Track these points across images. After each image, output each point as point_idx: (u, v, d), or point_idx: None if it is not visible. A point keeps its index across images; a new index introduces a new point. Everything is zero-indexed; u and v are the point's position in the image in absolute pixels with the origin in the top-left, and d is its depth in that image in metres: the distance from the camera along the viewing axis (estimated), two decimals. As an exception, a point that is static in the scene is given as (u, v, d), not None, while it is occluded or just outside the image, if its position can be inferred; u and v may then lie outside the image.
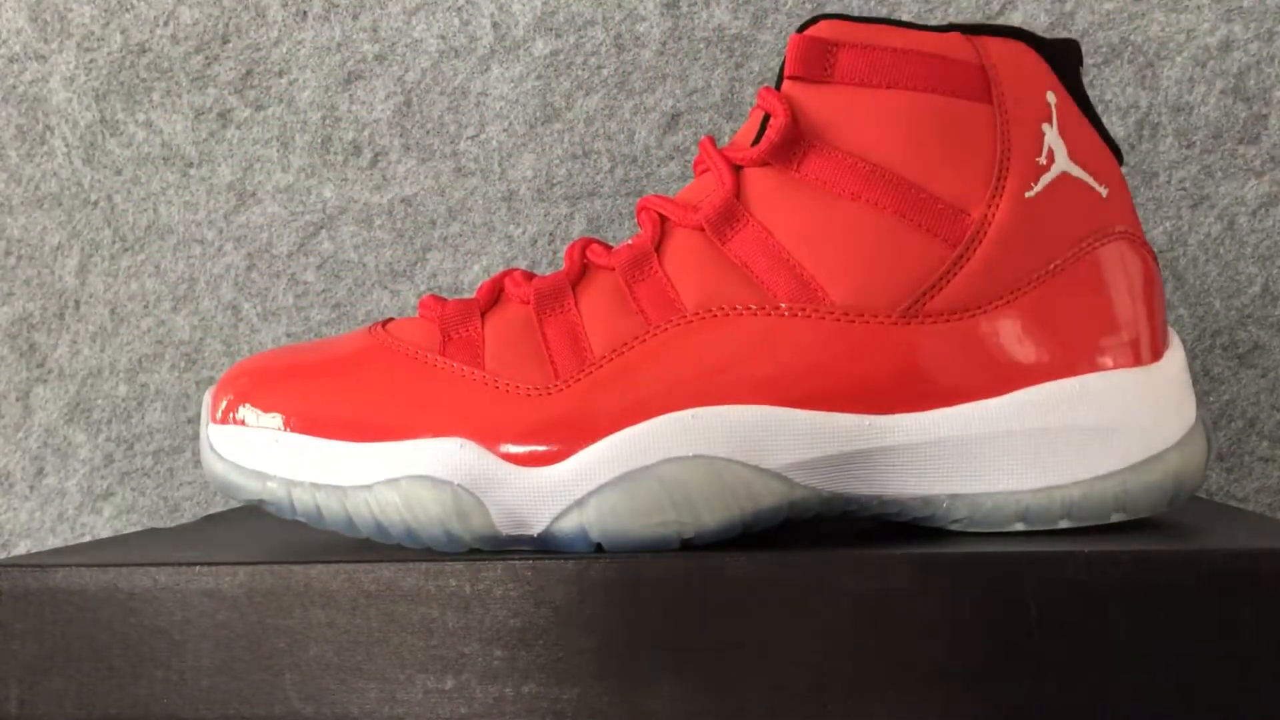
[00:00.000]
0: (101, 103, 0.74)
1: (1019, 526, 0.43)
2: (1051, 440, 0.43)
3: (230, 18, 0.74)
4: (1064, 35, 0.70)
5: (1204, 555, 0.38)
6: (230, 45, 0.74)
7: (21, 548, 0.76)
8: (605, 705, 0.39)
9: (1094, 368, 0.44)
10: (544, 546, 0.42)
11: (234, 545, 0.47)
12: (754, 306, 0.43)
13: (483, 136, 0.73)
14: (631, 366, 0.43)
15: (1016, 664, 0.38)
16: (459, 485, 0.42)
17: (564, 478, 0.42)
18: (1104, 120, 0.70)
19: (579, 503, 0.42)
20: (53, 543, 0.76)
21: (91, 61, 0.74)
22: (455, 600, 0.40)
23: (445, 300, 0.47)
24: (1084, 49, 0.70)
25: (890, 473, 0.43)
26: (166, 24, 0.74)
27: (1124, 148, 0.70)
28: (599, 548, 0.42)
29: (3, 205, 0.75)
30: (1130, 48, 0.70)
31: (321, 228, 0.74)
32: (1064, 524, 0.43)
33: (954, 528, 0.44)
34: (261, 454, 0.44)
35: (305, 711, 0.40)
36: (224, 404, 0.45)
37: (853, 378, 0.43)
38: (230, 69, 0.74)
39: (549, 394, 0.43)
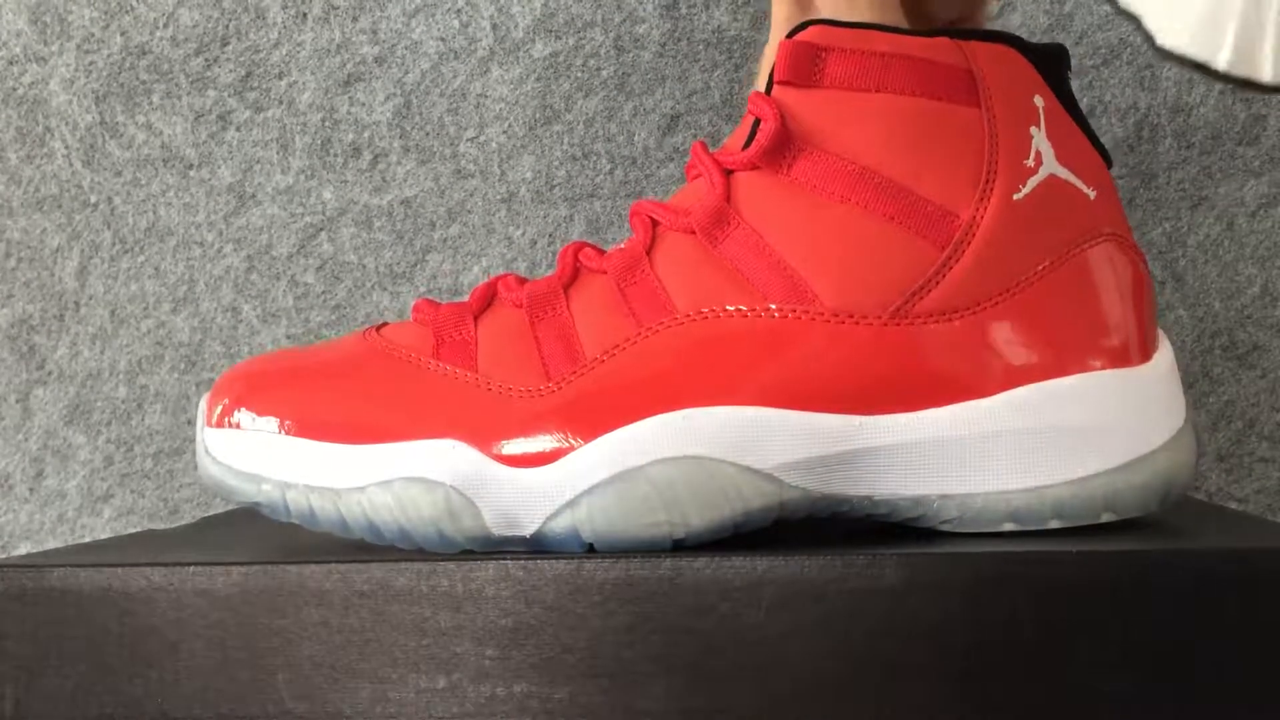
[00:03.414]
0: (101, 105, 0.75)
1: (1009, 526, 0.43)
2: (1040, 440, 0.43)
3: (230, 20, 0.74)
4: (1063, 37, 0.70)
5: (1193, 555, 0.38)
6: (230, 47, 0.74)
7: (21, 549, 0.76)
8: (597, 704, 0.39)
9: (1083, 368, 0.44)
10: (536, 547, 0.42)
11: (228, 546, 0.47)
12: (745, 308, 0.43)
13: (482, 138, 0.73)
14: (623, 368, 0.43)
15: (1005, 664, 0.38)
16: (452, 486, 0.42)
17: (556, 478, 0.42)
18: (1103, 121, 0.70)
19: (571, 503, 0.42)
20: (52, 544, 0.76)
21: (91, 64, 0.75)
22: (447, 600, 0.40)
23: (438, 304, 0.47)
24: (1083, 50, 0.70)
25: (881, 473, 0.43)
26: (166, 26, 0.74)
27: (1123, 149, 0.70)
28: (591, 548, 0.42)
29: (3, 207, 0.75)
30: (1129, 49, 0.70)
31: (321, 229, 0.74)
32: (1054, 524, 0.43)
33: (944, 528, 0.44)
34: (256, 457, 0.44)
35: (298, 710, 0.40)
36: (219, 408, 0.45)
37: (843, 378, 0.43)
38: (230, 71, 0.74)
39: (541, 395, 0.43)
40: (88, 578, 0.41)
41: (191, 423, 0.75)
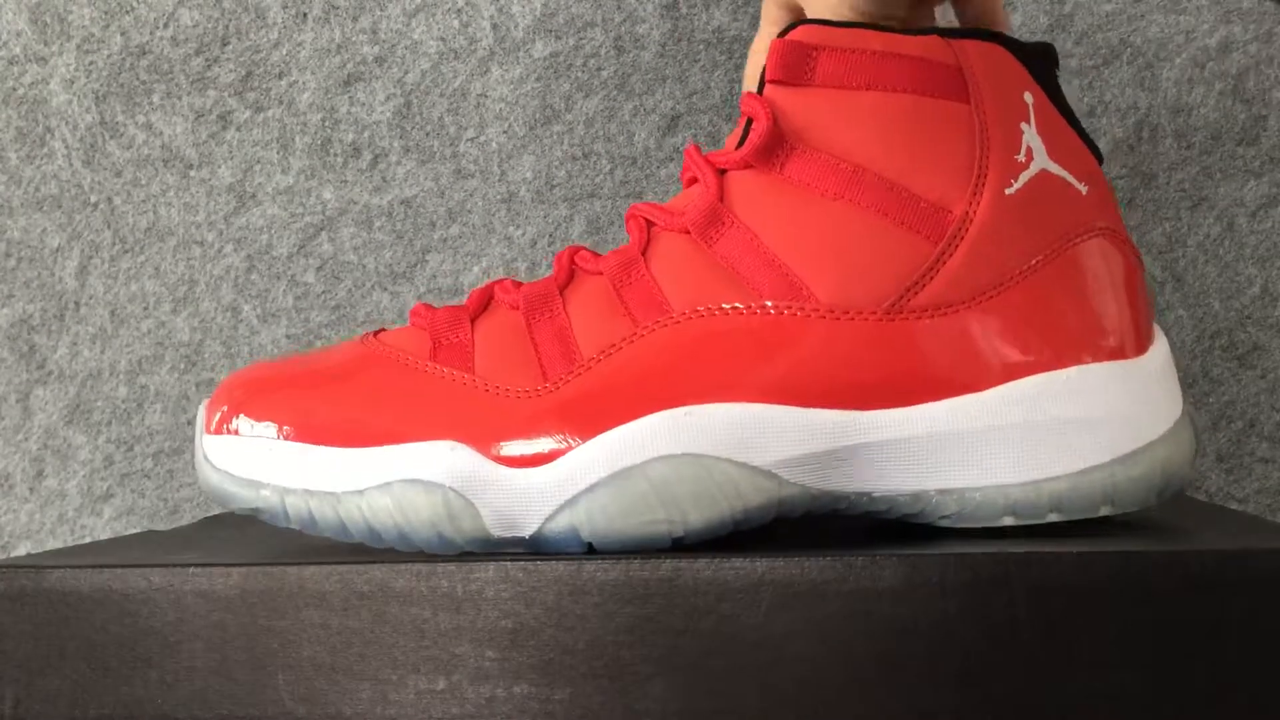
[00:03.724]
0: (101, 105, 0.75)
1: (1008, 520, 0.43)
2: (1038, 433, 0.43)
3: (230, 20, 0.74)
4: (1063, 37, 0.70)
5: (1193, 555, 0.38)
6: (230, 47, 0.74)
7: (21, 549, 0.76)
8: (597, 705, 0.39)
9: (1078, 361, 0.44)
10: (536, 548, 0.42)
11: (228, 546, 0.47)
12: (740, 306, 0.43)
13: (482, 138, 0.73)
14: (619, 367, 0.43)
15: (1005, 664, 0.38)
16: (450, 488, 0.42)
17: (555, 478, 0.42)
18: (1103, 121, 0.70)
19: (570, 503, 0.42)
20: (52, 544, 0.76)
21: (91, 64, 0.75)
22: (447, 601, 0.40)
23: (435, 308, 0.47)
24: (1083, 50, 0.70)
25: (878, 468, 0.43)
26: (166, 26, 0.74)
27: (1123, 149, 0.70)
28: (591, 548, 0.42)
29: (3, 207, 0.75)
30: (1129, 49, 0.70)
31: (321, 229, 0.74)
32: (1053, 517, 0.43)
33: (943, 523, 0.44)
34: (255, 463, 0.44)
35: (298, 712, 0.40)
36: (218, 415, 0.45)
37: (839, 374, 0.43)
38: (230, 71, 0.74)
39: (538, 396, 0.43)
40: (87, 578, 0.41)
41: (191, 422, 0.75)
